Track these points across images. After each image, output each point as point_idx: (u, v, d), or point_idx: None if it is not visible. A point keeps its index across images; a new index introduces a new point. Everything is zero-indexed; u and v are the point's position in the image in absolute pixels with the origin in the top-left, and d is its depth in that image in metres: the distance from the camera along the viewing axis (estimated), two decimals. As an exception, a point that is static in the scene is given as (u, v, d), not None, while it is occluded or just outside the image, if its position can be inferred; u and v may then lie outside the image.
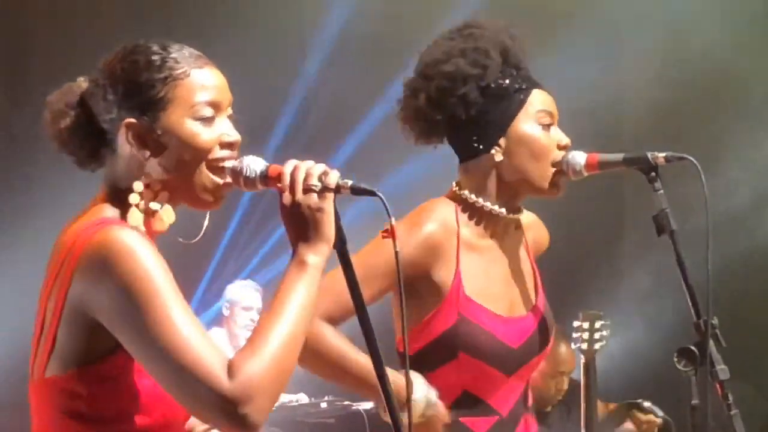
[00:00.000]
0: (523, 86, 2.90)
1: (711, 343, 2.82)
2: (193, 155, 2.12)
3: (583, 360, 4.58)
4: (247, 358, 1.98)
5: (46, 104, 2.19)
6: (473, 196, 2.91)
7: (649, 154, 2.87)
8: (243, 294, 6.72)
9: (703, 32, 6.22)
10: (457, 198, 2.93)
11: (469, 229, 2.90)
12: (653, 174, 2.86)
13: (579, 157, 2.94)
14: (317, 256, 2.07)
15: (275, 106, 6.75)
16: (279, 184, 2.10)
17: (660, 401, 5.61)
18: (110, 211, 2.13)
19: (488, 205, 2.91)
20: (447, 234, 2.87)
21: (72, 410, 2.06)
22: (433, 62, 2.90)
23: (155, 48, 2.14)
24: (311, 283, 2.06)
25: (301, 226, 2.08)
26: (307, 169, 2.09)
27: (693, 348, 2.82)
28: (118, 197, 2.14)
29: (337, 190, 2.09)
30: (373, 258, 2.73)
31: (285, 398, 6.20)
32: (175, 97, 2.11)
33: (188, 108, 2.12)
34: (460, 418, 2.86)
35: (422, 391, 2.80)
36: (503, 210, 2.92)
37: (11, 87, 5.78)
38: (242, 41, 6.22)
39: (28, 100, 5.77)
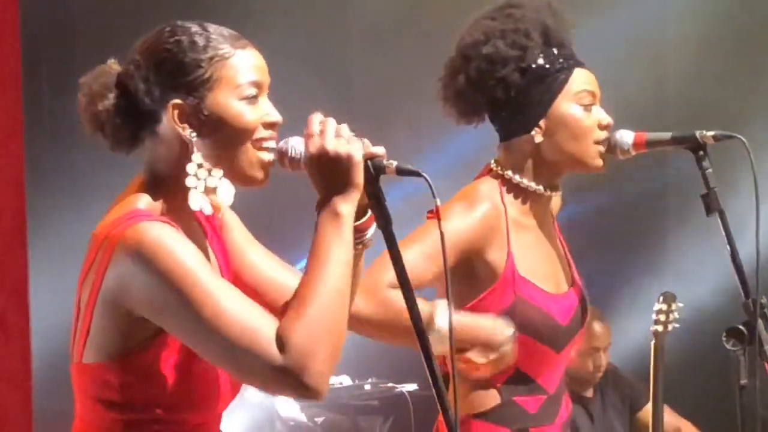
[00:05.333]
0: (565, 66, 2.89)
1: (760, 322, 2.81)
2: (239, 134, 2.10)
3: (654, 341, 4.58)
4: (293, 324, 1.96)
5: (80, 86, 2.16)
6: (517, 177, 2.91)
7: (697, 133, 2.86)
8: None
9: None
10: (498, 176, 2.93)
11: (514, 208, 2.91)
12: (701, 153, 2.85)
13: (627, 136, 2.94)
14: (349, 204, 2.04)
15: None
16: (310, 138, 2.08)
17: (708, 381, 5.58)
18: (143, 201, 2.11)
19: (532, 185, 2.91)
20: (498, 214, 2.88)
21: (104, 398, 2.08)
22: (473, 43, 2.89)
23: (196, 28, 2.13)
24: (347, 233, 2.03)
25: (330, 174, 2.05)
26: (338, 125, 2.08)
27: (741, 327, 2.82)
28: (160, 181, 2.13)
29: (382, 170, 2.08)
30: (426, 239, 2.73)
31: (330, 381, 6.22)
32: (221, 76, 2.10)
33: (234, 88, 2.11)
34: (513, 397, 2.87)
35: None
36: (544, 188, 2.92)
37: (54, 76, 5.81)
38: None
39: (72, 89, 5.81)
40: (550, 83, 2.88)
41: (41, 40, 5.66)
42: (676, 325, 4.68)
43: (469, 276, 2.85)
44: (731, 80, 6.25)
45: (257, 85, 2.13)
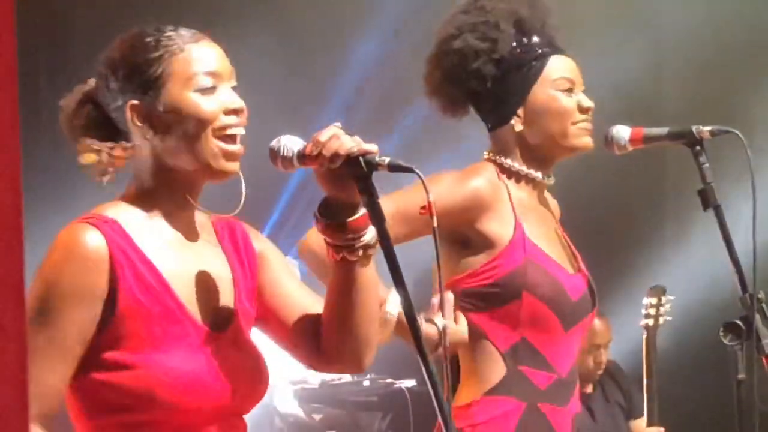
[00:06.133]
0: (540, 54, 2.91)
1: (757, 317, 2.81)
2: (196, 125, 2.12)
3: (645, 335, 4.58)
4: None
5: (60, 109, 2.23)
6: (508, 161, 2.93)
7: (693, 128, 2.87)
8: None
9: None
10: (494, 162, 2.95)
11: (514, 189, 2.93)
12: (698, 148, 2.85)
13: (623, 132, 2.95)
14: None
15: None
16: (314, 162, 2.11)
17: (705, 376, 5.58)
18: (113, 206, 2.14)
19: (524, 169, 2.93)
20: (495, 190, 2.89)
21: (75, 405, 2.11)
22: (447, 38, 2.93)
23: (149, 30, 2.16)
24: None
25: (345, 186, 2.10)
26: (342, 140, 2.09)
27: (739, 322, 2.82)
28: (139, 186, 2.16)
29: (375, 167, 2.08)
30: (407, 200, 2.72)
31: (327, 377, 6.22)
32: (173, 71, 2.12)
33: (187, 80, 2.12)
34: (519, 366, 2.86)
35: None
36: (537, 174, 2.93)
37: (52, 72, 5.81)
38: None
39: (70, 85, 5.80)
40: (525, 72, 2.90)
41: (38, 38, 5.66)
42: (668, 318, 4.69)
43: (463, 246, 2.86)
44: (729, 73, 6.26)
45: (212, 75, 2.14)
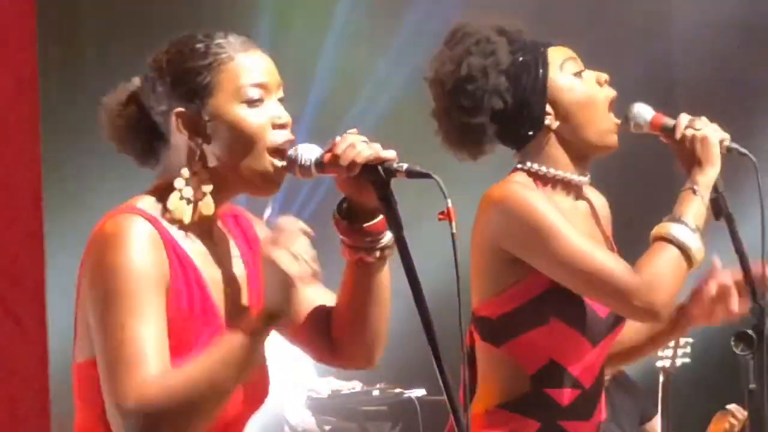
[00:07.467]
0: (539, 50, 2.90)
1: (768, 326, 2.81)
2: (245, 138, 2.12)
3: (662, 378, 4.50)
4: None
5: (102, 107, 2.21)
6: (543, 168, 2.88)
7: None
8: None
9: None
10: (527, 172, 2.89)
11: (550, 196, 2.87)
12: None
13: (646, 113, 2.91)
14: None
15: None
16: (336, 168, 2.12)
17: (717, 385, 5.56)
18: (144, 201, 2.13)
19: (560, 173, 2.88)
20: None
21: (89, 396, 2.06)
22: (449, 74, 2.88)
23: (199, 37, 2.15)
24: None
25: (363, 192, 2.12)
26: (359, 149, 2.10)
27: (750, 332, 2.82)
28: (168, 189, 2.14)
29: (393, 174, 2.10)
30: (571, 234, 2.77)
31: (338, 386, 6.23)
32: (221, 81, 2.12)
33: (235, 91, 2.12)
34: (544, 389, 2.83)
35: None
36: (573, 175, 2.90)
37: (63, 80, 5.82)
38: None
39: (80, 93, 5.83)
40: (534, 70, 2.88)
41: (50, 46, 5.68)
42: (686, 361, 4.57)
43: (498, 263, 2.82)
44: (743, 78, 6.24)
45: (261, 86, 2.13)
